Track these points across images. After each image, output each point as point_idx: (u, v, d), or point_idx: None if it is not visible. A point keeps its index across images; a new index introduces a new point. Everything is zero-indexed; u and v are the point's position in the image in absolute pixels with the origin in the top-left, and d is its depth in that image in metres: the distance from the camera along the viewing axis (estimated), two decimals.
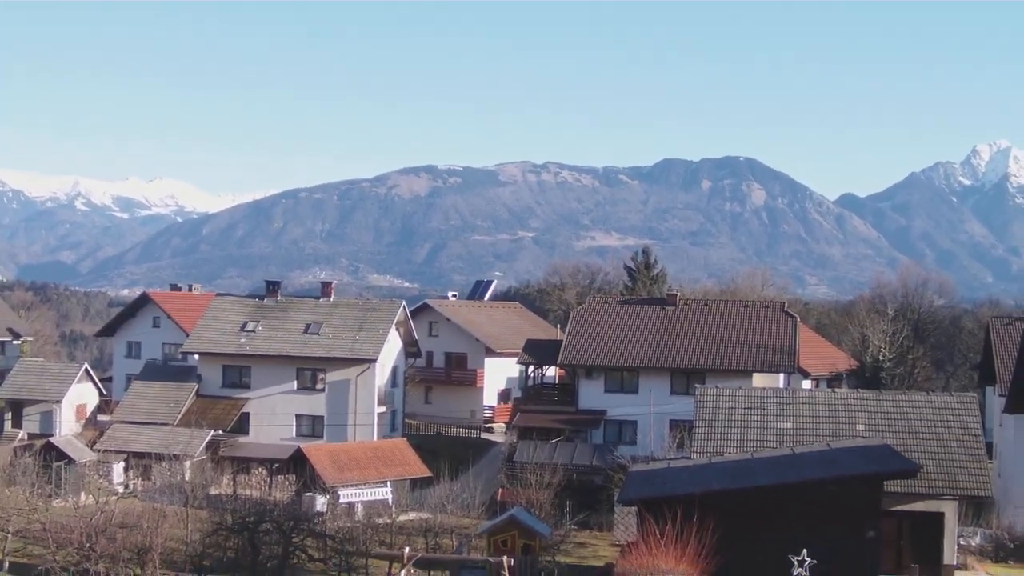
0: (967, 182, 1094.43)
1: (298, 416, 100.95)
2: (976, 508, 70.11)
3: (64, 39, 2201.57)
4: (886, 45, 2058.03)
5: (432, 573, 61.96)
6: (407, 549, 60.01)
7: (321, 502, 78.82)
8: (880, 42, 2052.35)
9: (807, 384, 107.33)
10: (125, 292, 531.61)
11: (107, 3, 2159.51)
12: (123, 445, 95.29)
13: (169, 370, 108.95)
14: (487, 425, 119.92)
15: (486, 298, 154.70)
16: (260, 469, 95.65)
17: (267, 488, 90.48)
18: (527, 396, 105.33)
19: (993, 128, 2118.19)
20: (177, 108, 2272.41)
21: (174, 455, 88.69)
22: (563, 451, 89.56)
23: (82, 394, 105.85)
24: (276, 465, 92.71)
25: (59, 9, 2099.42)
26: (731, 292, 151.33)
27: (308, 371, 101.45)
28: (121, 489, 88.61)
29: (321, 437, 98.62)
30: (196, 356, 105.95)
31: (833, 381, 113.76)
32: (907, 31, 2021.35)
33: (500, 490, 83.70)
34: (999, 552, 63.97)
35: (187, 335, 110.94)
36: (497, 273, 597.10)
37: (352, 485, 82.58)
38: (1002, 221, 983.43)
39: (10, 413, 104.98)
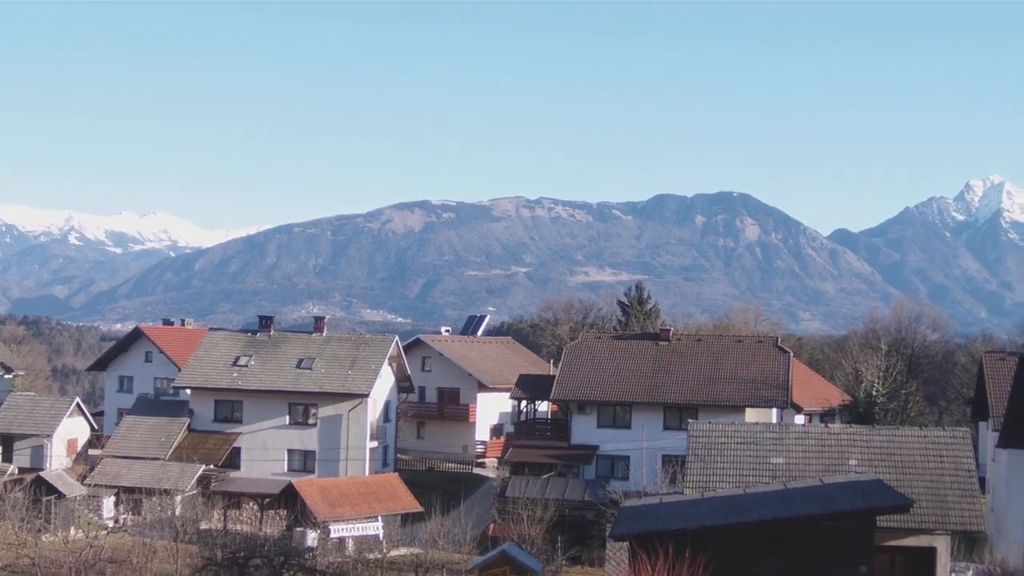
0: (960, 217, 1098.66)
1: (290, 451, 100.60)
2: (969, 543, 69.91)
3: (57, 73, 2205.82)
4: (879, 81, 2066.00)
5: None
6: None
7: (312, 537, 78.67)
8: (873, 78, 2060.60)
9: (800, 419, 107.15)
10: (118, 326, 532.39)
11: (99, 39, 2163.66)
12: (114, 479, 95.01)
13: (161, 404, 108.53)
14: (479, 460, 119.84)
15: (479, 333, 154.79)
16: (251, 504, 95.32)
17: (258, 523, 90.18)
18: (519, 431, 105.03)
19: (986, 163, 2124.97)
20: (171, 143, 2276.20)
21: (165, 490, 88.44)
22: (555, 486, 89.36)
23: (73, 428, 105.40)
24: (267, 500, 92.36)
25: (52, 44, 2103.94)
26: (724, 327, 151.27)
27: (300, 406, 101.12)
28: (111, 524, 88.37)
29: (313, 472, 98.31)
30: (188, 391, 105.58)
31: (826, 416, 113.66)
32: (901, 67, 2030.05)
33: (492, 525, 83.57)
34: None
35: (179, 370, 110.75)
36: (490, 308, 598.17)
37: (343, 520, 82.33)
38: (995, 256, 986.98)
39: (1, 447, 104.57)
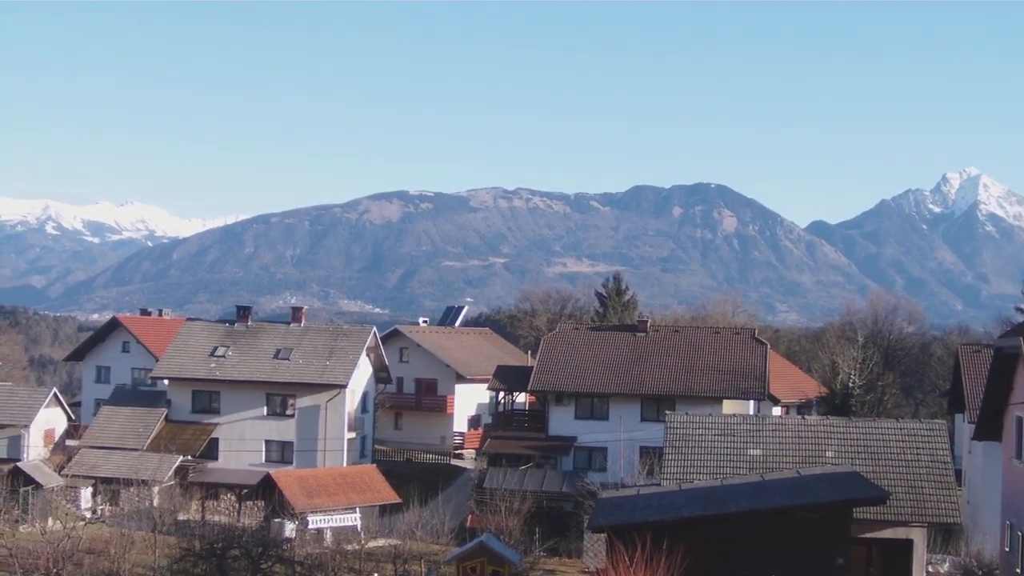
0: (937, 209, 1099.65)
1: (267, 442, 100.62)
2: (945, 535, 70.23)
3: (33, 64, 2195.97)
4: (856, 73, 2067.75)
5: None
6: None
7: (290, 528, 78.60)
8: (850, 70, 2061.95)
9: (777, 411, 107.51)
10: (95, 316, 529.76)
11: (76, 28, 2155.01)
12: (91, 470, 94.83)
13: (138, 395, 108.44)
14: (457, 451, 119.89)
15: (457, 324, 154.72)
16: (229, 495, 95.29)
17: (236, 514, 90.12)
18: (497, 422, 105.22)
19: (963, 156, 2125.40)
20: (148, 132, 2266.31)
21: (142, 480, 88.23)
22: (533, 478, 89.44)
23: (50, 419, 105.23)
24: (245, 491, 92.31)
25: (28, 32, 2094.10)
26: (702, 319, 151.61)
27: (278, 396, 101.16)
28: (89, 515, 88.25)
29: (290, 463, 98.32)
30: (166, 381, 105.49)
31: (803, 408, 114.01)
32: (877, 60, 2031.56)
33: (469, 516, 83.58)
34: None
35: (157, 360, 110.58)
36: (468, 299, 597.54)
37: (321, 511, 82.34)
38: (972, 248, 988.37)
39: None
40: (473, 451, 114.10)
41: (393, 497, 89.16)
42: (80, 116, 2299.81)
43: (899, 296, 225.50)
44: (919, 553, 56.14)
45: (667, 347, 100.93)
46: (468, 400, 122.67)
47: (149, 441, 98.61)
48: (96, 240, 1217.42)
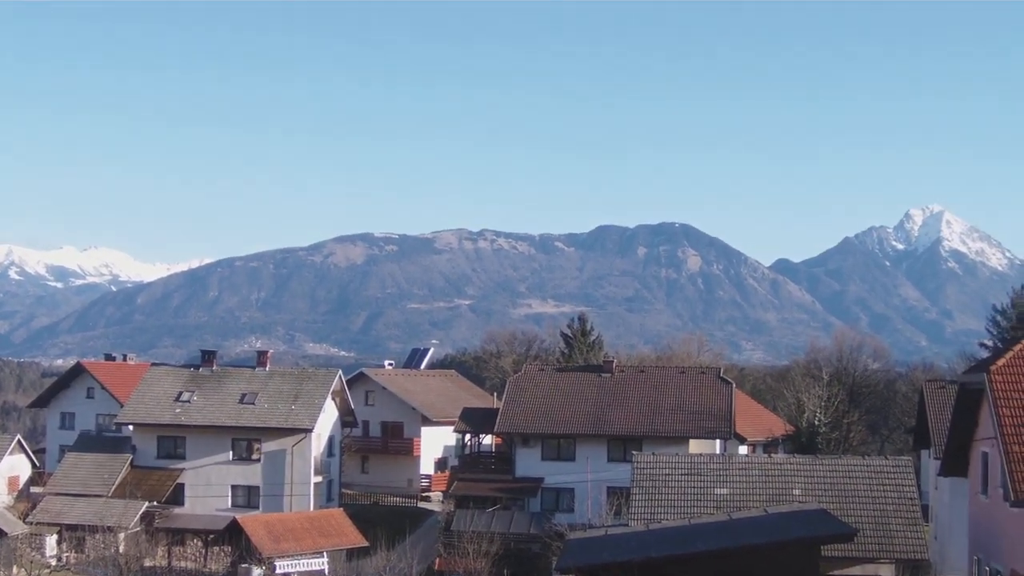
0: (900, 246, 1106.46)
1: (234, 487, 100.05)
2: (913, 571, 70.20)
3: None
4: (817, 111, 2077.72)
5: None
6: None
7: (257, 573, 78.34)
8: (811, 108, 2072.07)
9: (743, 450, 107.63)
10: (59, 362, 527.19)
11: (38, 70, 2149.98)
12: (56, 517, 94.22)
13: (103, 441, 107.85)
14: (424, 494, 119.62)
15: (422, 366, 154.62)
16: (195, 540, 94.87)
17: (202, 560, 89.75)
18: (464, 464, 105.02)
19: (926, 193, 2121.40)
20: (112, 176, 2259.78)
21: (108, 527, 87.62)
22: (500, 519, 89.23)
23: (15, 466, 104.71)
24: (211, 536, 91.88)
25: None
26: (667, 358, 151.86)
27: (243, 441, 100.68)
28: (54, 562, 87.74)
29: (257, 507, 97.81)
30: (131, 427, 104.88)
31: (769, 446, 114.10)
32: (839, 97, 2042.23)
33: (438, 559, 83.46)
34: None
35: (121, 405, 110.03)
36: (433, 341, 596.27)
37: (288, 556, 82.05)
38: (935, 285, 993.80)
39: None
40: (440, 493, 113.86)
41: (360, 541, 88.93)
42: (43, 160, 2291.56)
43: (863, 333, 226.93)
44: None
45: (633, 387, 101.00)
46: (434, 442, 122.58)
47: (114, 487, 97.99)
48: (60, 285, 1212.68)
